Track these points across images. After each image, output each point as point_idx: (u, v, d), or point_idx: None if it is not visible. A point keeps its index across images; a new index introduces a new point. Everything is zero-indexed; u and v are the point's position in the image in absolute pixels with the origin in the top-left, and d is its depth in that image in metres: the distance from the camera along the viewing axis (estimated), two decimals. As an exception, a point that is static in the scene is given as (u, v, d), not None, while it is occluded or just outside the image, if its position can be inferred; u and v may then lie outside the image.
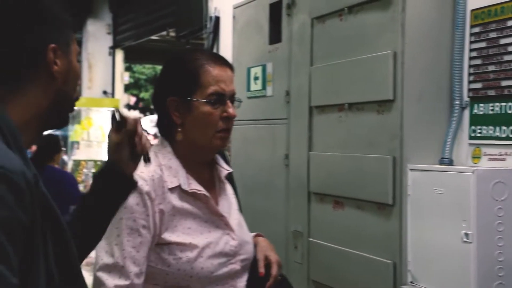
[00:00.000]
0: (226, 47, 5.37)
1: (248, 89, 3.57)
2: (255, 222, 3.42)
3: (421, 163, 2.40)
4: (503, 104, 2.31)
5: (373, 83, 2.54)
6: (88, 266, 2.30)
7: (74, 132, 9.05)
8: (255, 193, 3.48)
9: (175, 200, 1.66)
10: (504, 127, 2.31)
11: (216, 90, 1.69)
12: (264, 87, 3.43)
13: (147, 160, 1.45)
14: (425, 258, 2.34)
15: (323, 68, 2.89)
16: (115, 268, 1.58)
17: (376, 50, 2.54)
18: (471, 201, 2.16)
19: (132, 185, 1.44)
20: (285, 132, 3.21)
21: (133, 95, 19.86)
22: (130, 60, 12.59)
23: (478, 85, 2.41)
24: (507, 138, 2.30)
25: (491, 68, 2.36)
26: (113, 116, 1.46)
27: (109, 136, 1.48)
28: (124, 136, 1.44)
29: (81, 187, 6.15)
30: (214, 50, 5.58)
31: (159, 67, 17.84)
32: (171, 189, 1.67)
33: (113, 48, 9.81)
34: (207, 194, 1.71)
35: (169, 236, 1.64)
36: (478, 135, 2.41)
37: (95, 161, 8.10)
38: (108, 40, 9.86)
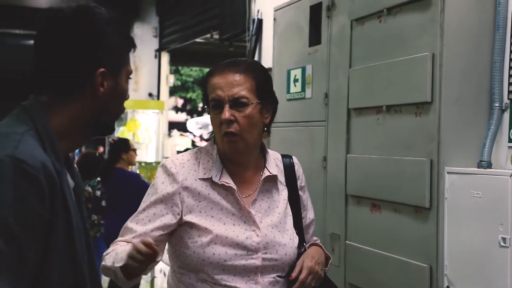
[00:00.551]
0: (267, 50, 5.40)
1: (288, 91, 3.58)
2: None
3: (458, 166, 2.37)
4: (545, 106, 2.26)
5: (411, 85, 2.52)
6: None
7: (121, 134, 9.20)
8: (293, 195, 3.48)
9: (203, 188, 1.83)
10: (545, 130, 2.26)
11: (213, 97, 1.86)
12: (303, 89, 3.43)
13: None
14: (462, 262, 2.31)
15: (361, 70, 2.88)
16: (127, 230, 1.84)
17: (414, 52, 2.51)
18: (509, 205, 2.12)
19: None
20: (324, 134, 3.20)
21: (181, 97, 20.09)
22: (176, 62, 12.75)
23: (519, 87, 2.36)
24: (549, 141, 2.25)
25: (533, 70, 2.30)
26: None
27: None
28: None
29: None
30: (256, 53, 5.61)
31: (206, 69, 18.05)
32: (203, 179, 1.84)
33: (159, 51, 9.95)
34: (234, 187, 1.83)
35: (190, 218, 1.80)
36: (519, 138, 2.36)
37: (140, 163, 8.22)
38: (154, 43, 10.02)
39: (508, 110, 2.40)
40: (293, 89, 3.54)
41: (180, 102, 21.25)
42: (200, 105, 20.20)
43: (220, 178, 1.84)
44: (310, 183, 3.32)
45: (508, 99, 2.40)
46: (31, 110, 1.34)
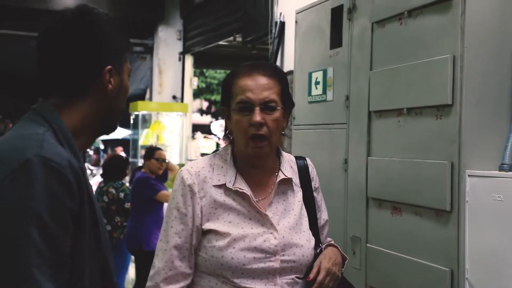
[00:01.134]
0: (289, 52, 5.40)
1: (309, 94, 3.58)
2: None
3: (479, 169, 2.35)
4: None
5: (432, 88, 2.51)
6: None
7: (145, 136, 9.27)
8: (314, 198, 3.48)
9: (218, 195, 1.84)
10: None
11: (241, 98, 1.85)
12: (324, 91, 3.43)
13: None
14: (483, 265, 2.28)
15: (382, 73, 2.87)
16: (161, 251, 1.83)
17: (435, 54, 2.50)
18: (531, 209, 2.09)
19: None
20: (345, 137, 3.20)
21: (206, 99, 20.18)
22: (199, 65, 12.82)
23: (542, 90, 2.33)
24: None
25: (556, 72, 2.28)
26: None
27: None
28: None
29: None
30: (279, 55, 5.62)
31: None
32: (217, 186, 1.85)
33: (183, 54, 10.02)
34: (248, 192, 1.85)
35: (209, 225, 1.82)
36: (542, 141, 2.33)
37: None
38: (178, 46, 10.09)
39: (530, 113, 2.38)
40: (314, 91, 3.54)
41: (205, 104, 21.35)
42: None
43: (234, 184, 1.85)
44: (331, 186, 3.33)
45: (531, 101, 2.38)
46: (43, 112, 1.37)
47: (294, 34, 3.95)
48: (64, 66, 1.38)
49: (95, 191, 6.08)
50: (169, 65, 10.16)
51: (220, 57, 10.73)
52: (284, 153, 2.01)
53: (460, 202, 2.36)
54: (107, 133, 1.53)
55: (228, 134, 1.93)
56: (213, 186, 1.85)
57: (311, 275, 1.85)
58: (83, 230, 1.29)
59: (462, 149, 2.36)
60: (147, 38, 10.38)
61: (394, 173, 2.74)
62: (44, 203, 1.20)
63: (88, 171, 13.53)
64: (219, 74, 18.87)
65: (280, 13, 5.67)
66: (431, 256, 2.50)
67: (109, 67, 1.41)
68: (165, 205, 5.91)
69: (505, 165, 2.33)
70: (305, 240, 1.92)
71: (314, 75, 3.55)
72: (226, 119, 1.93)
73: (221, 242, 1.79)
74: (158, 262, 1.82)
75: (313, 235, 1.95)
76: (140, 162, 8.43)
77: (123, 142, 17.91)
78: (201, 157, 2.00)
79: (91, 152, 17.34)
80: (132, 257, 6.18)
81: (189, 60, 10.08)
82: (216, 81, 19.07)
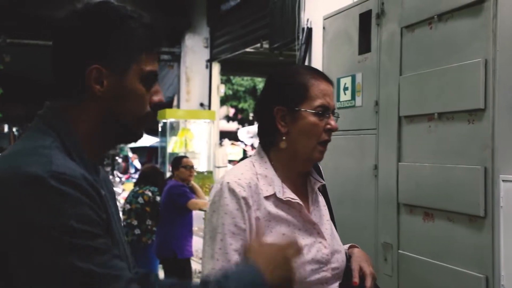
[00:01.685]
0: (317, 58, 5.40)
1: (338, 100, 3.57)
2: (343, 234, 3.40)
3: (514, 174, 2.31)
4: None
5: (464, 92, 2.48)
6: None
7: (175, 144, 9.31)
8: (343, 204, 3.47)
9: (270, 207, 1.74)
10: None
11: (322, 103, 1.77)
12: (353, 97, 3.42)
13: None
14: (519, 273, 2.25)
15: (412, 77, 2.85)
16: (213, 268, 1.66)
17: (466, 58, 2.47)
18: None
19: None
20: (374, 143, 3.18)
21: (232, 106, 20.24)
22: (226, 72, 12.87)
23: None
24: None
25: None
26: None
27: None
28: None
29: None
30: (306, 62, 5.61)
31: (257, 79, 18.14)
32: (267, 197, 1.74)
33: (210, 61, 10.07)
34: (300, 202, 1.77)
35: (266, 240, 1.69)
36: None
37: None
38: (205, 54, 10.14)
39: None
40: (343, 97, 3.53)
41: (231, 111, 21.41)
42: (252, 114, 20.31)
43: (283, 193, 1.76)
44: (361, 192, 3.31)
45: None
46: (50, 119, 1.30)
47: (321, 40, 3.94)
48: (56, 65, 1.32)
49: (128, 195, 6.16)
50: (196, 73, 10.22)
51: (247, 64, 10.76)
52: None
53: (494, 208, 2.33)
54: (127, 141, 1.43)
55: (283, 137, 1.79)
56: (264, 197, 1.74)
57: (356, 280, 1.79)
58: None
59: (495, 153, 2.33)
60: (175, 46, 10.46)
61: (426, 179, 2.72)
62: (72, 216, 1.14)
63: (117, 179, 13.64)
64: (246, 81, 18.92)
65: (307, 20, 5.67)
66: (465, 263, 2.46)
67: (95, 66, 1.28)
68: (194, 213, 5.94)
69: (540, 170, 2.29)
70: (340, 244, 1.90)
71: (342, 81, 3.54)
72: (282, 120, 1.78)
73: None
74: None
75: None
76: (168, 169, 8.48)
77: (151, 150, 18.04)
78: (238, 166, 1.82)
79: (119, 160, 17.49)
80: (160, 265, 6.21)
81: (216, 68, 10.12)
82: (243, 88, 19.12)
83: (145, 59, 1.33)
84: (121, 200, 7.82)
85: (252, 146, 15.78)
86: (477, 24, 2.43)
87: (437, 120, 2.65)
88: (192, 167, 6.05)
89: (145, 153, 19.04)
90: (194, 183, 6.30)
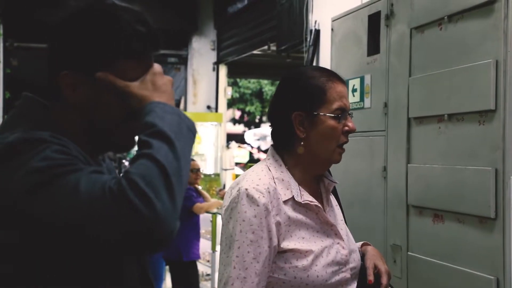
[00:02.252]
0: (325, 60, 5.39)
1: (346, 101, 3.56)
2: (353, 235, 3.40)
3: (525, 175, 2.30)
4: None
5: (474, 93, 2.47)
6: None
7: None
8: (353, 206, 3.46)
9: (289, 211, 1.71)
10: None
11: (340, 105, 1.75)
12: (362, 99, 3.41)
13: None
14: (531, 275, 2.23)
15: (422, 79, 2.84)
16: (238, 280, 1.63)
17: (477, 59, 2.46)
18: None
19: None
20: (383, 144, 3.17)
21: (239, 109, 20.26)
22: (233, 75, 12.87)
23: None
24: None
25: None
26: None
27: None
28: None
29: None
30: (314, 63, 5.61)
31: (264, 81, 18.14)
32: (285, 201, 1.71)
33: (216, 64, 10.08)
34: (319, 204, 1.76)
35: (286, 245, 1.68)
36: None
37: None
38: (212, 56, 10.15)
39: None
40: (351, 99, 3.52)
41: (237, 114, 21.43)
42: (258, 117, 20.32)
43: (301, 196, 1.74)
44: (370, 194, 3.30)
45: None
46: (40, 118, 1.27)
47: (329, 42, 3.94)
48: (43, 67, 1.31)
49: None
50: (203, 75, 10.23)
51: (254, 67, 10.77)
52: None
53: (505, 209, 2.31)
54: (112, 151, 1.39)
55: (302, 142, 1.76)
56: (284, 202, 1.71)
57: (371, 277, 1.78)
58: None
59: (506, 155, 2.32)
60: (181, 49, 10.47)
61: (436, 180, 2.71)
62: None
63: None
64: (252, 84, 18.93)
65: (315, 21, 5.67)
66: (475, 264, 2.45)
67: (64, 72, 1.24)
68: (201, 215, 5.94)
69: (551, 171, 2.28)
70: (355, 243, 1.90)
71: (351, 83, 3.53)
72: (300, 125, 1.75)
73: (305, 261, 1.68)
74: None
75: None
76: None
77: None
78: (254, 171, 1.76)
79: (126, 163, 17.50)
80: (166, 267, 6.21)
81: (223, 70, 10.13)
82: (249, 91, 19.13)
83: (124, 64, 1.25)
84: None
85: (259, 149, 15.78)
86: (488, 25, 2.42)
87: (447, 121, 2.64)
88: (198, 170, 6.05)
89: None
90: (199, 187, 6.27)
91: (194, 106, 10.30)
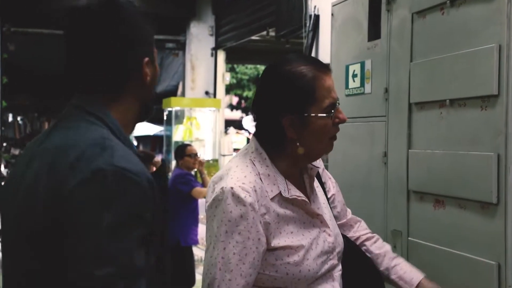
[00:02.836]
0: (325, 45, 5.37)
1: (347, 87, 3.54)
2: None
3: (527, 160, 2.29)
4: None
5: (477, 78, 2.45)
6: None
7: (184, 132, 9.28)
8: (353, 192, 3.45)
9: (277, 208, 1.68)
10: None
11: (330, 101, 1.72)
12: (362, 84, 3.40)
13: None
14: (532, 260, 2.23)
15: (423, 64, 2.83)
16: (223, 282, 1.60)
17: (480, 44, 2.45)
18: None
19: None
20: (384, 130, 3.16)
21: (236, 95, 20.22)
22: (231, 60, 12.83)
23: None
24: None
25: None
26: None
27: None
28: None
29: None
30: (313, 49, 5.58)
31: (261, 67, 18.12)
32: (272, 198, 1.68)
33: (215, 49, 10.04)
34: (306, 199, 1.73)
35: (277, 243, 1.66)
36: None
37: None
38: (211, 42, 10.11)
39: None
40: (351, 84, 3.50)
41: (235, 100, 21.39)
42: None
43: (288, 191, 1.71)
44: (370, 179, 3.30)
45: None
46: (95, 110, 1.34)
47: (328, 27, 3.91)
48: (102, 62, 1.35)
49: None
50: (202, 61, 10.19)
51: (253, 52, 10.72)
52: None
53: (507, 194, 2.31)
54: (144, 119, 1.51)
55: (297, 142, 1.72)
56: (271, 199, 1.68)
57: None
58: (152, 240, 1.27)
59: (508, 140, 2.31)
60: (180, 34, 10.43)
61: (437, 166, 2.70)
62: (120, 214, 1.18)
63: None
64: (249, 70, 18.87)
65: (315, 6, 5.63)
66: (476, 250, 2.45)
67: (146, 59, 1.41)
68: (200, 201, 5.94)
69: (554, 156, 2.27)
70: (336, 225, 1.88)
71: (351, 68, 3.51)
72: (291, 127, 1.71)
73: (296, 257, 1.66)
74: None
75: None
76: (173, 158, 8.48)
77: (155, 139, 18.02)
78: (239, 168, 1.70)
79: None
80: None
81: (221, 56, 10.09)
82: (246, 77, 19.08)
83: (153, 41, 1.48)
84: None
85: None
86: (491, 9, 2.40)
87: (449, 106, 2.62)
88: (196, 154, 6.05)
89: (149, 142, 19.05)
90: (204, 171, 6.28)
91: (192, 91, 10.27)
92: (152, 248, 1.27)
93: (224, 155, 9.54)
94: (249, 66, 18.47)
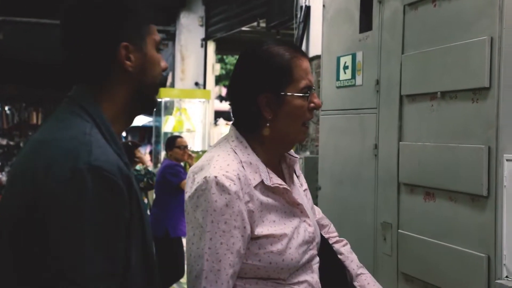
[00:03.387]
0: (315, 37, 5.35)
1: (338, 79, 3.54)
2: (343, 213, 3.41)
3: (518, 153, 2.30)
4: None
5: (468, 71, 2.45)
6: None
7: (176, 123, 9.24)
8: (343, 184, 3.45)
9: (260, 196, 1.66)
10: None
11: (307, 83, 1.70)
12: (353, 76, 3.39)
13: None
14: (522, 252, 2.24)
15: (415, 56, 2.82)
16: (211, 272, 1.57)
17: (472, 36, 2.44)
18: None
19: None
20: (375, 122, 3.15)
21: (225, 86, 20.16)
22: (221, 51, 12.78)
23: None
24: None
25: None
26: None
27: None
28: None
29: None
30: (304, 40, 5.57)
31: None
32: (255, 186, 1.66)
33: (205, 40, 9.99)
34: (287, 187, 1.72)
35: (260, 231, 1.64)
36: None
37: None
38: (201, 32, 10.07)
39: None
40: (342, 76, 3.50)
41: (224, 91, 21.35)
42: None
43: (270, 180, 1.69)
44: (360, 172, 3.30)
45: None
46: (84, 103, 1.32)
47: (319, 18, 3.90)
48: (81, 48, 1.33)
49: None
50: (191, 52, 10.15)
51: (243, 43, 10.65)
52: None
53: (497, 187, 2.31)
54: (147, 111, 1.48)
55: (267, 123, 1.70)
56: (254, 187, 1.65)
57: None
58: (132, 234, 1.26)
59: (499, 133, 2.31)
60: (169, 24, 10.37)
61: (428, 158, 2.70)
62: (96, 217, 1.17)
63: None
64: (239, 61, 18.78)
65: (305, -2, 5.61)
66: (466, 242, 2.45)
67: (124, 44, 1.33)
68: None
69: (545, 149, 2.28)
70: (315, 213, 1.88)
71: (342, 60, 3.51)
72: (267, 106, 1.69)
73: (279, 246, 1.64)
74: (210, 286, 1.57)
75: None
76: (163, 149, 8.45)
77: (143, 130, 17.94)
78: (221, 156, 1.67)
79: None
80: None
81: (211, 47, 10.05)
82: (236, 68, 18.99)
83: (152, 29, 1.42)
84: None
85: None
86: (483, 2, 2.40)
87: (440, 99, 2.62)
88: (186, 146, 6.05)
89: (138, 133, 18.97)
90: (194, 164, 6.28)
91: (182, 82, 10.23)
92: (133, 247, 1.26)
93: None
94: (239, 57, 18.38)
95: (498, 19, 2.32)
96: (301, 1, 5.62)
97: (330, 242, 1.98)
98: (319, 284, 1.75)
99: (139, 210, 1.28)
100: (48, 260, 1.17)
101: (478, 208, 2.40)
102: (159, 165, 8.18)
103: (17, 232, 1.21)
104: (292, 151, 1.86)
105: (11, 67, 11.43)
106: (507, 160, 2.29)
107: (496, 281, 2.30)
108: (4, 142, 13.16)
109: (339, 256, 1.96)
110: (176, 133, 8.53)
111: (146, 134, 17.81)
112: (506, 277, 2.28)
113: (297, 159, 1.86)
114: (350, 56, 3.42)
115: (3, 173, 12.26)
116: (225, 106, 21.23)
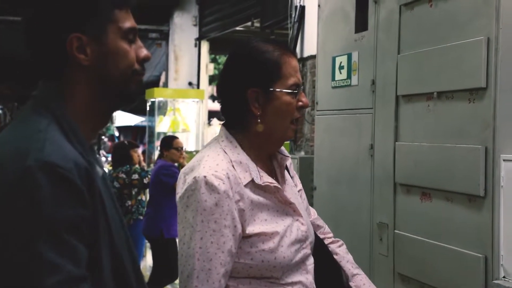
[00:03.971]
0: (310, 37, 5.35)
1: (333, 79, 3.53)
2: (339, 214, 3.40)
3: (515, 153, 2.30)
4: None
5: (464, 71, 2.45)
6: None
7: (171, 123, 9.20)
8: (339, 184, 3.45)
9: (249, 194, 1.66)
10: None
11: (295, 81, 1.72)
12: (349, 76, 3.38)
13: None
14: (519, 253, 2.24)
15: (411, 56, 2.82)
16: (202, 272, 1.58)
17: (468, 36, 2.44)
18: None
19: None
20: (371, 122, 3.15)
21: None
22: (215, 51, 12.75)
23: None
24: None
25: None
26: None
27: None
28: None
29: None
30: (299, 40, 5.56)
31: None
32: (246, 184, 1.66)
33: (198, 40, 9.97)
34: (278, 185, 1.72)
35: (251, 230, 1.64)
36: None
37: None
38: (194, 32, 10.04)
39: None
40: (338, 76, 3.49)
41: (217, 91, 21.32)
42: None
43: (261, 178, 1.69)
44: (356, 172, 3.29)
45: None
46: (46, 99, 1.25)
47: (314, 18, 3.90)
48: (33, 41, 1.26)
49: None
50: (185, 51, 10.12)
51: (237, 43, 10.65)
52: None
53: (494, 187, 2.31)
54: (123, 105, 1.37)
55: (258, 119, 1.71)
56: (245, 185, 1.66)
57: None
58: (99, 234, 1.20)
59: (496, 133, 2.31)
60: (163, 24, 10.34)
61: (424, 158, 2.70)
62: (52, 215, 1.10)
63: (103, 158, 13.54)
64: (233, 61, 18.77)
65: (300, -3, 5.61)
66: (463, 243, 2.45)
67: (75, 35, 1.23)
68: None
69: (542, 150, 2.28)
70: (309, 213, 1.88)
71: (338, 60, 3.50)
72: (256, 102, 1.70)
73: (271, 244, 1.64)
74: (202, 285, 1.57)
75: None
76: (156, 148, 8.43)
77: (136, 129, 17.90)
78: (210, 156, 1.68)
79: (106, 139, 17.38)
80: (148, 244, 6.22)
81: (205, 46, 10.03)
82: (229, 68, 18.97)
83: (119, 16, 1.29)
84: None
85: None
86: (479, 2, 2.40)
87: (436, 99, 2.62)
88: (182, 148, 6.03)
89: (130, 133, 18.92)
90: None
91: (176, 82, 10.20)
92: (102, 247, 1.21)
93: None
94: (232, 57, 18.35)
95: (494, 19, 2.32)
96: (296, 1, 5.61)
97: (326, 242, 1.98)
98: (314, 285, 1.75)
99: (104, 211, 1.22)
100: (6, 269, 1.10)
101: (475, 208, 2.40)
102: (152, 165, 8.15)
103: None
104: (284, 150, 1.86)
105: (3, 66, 11.36)
106: (504, 160, 2.29)
107: (493, 281, 2.30)
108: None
109: (334, 256, 1.96)
110: (170, 133, 8.49)
111: (138, 134, 17.77)
112: (503, 277, 2.28)
113: (289, 158, 1.86)
114: (345, 56, 3.42)
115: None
116: (216, 106, 21.13)
